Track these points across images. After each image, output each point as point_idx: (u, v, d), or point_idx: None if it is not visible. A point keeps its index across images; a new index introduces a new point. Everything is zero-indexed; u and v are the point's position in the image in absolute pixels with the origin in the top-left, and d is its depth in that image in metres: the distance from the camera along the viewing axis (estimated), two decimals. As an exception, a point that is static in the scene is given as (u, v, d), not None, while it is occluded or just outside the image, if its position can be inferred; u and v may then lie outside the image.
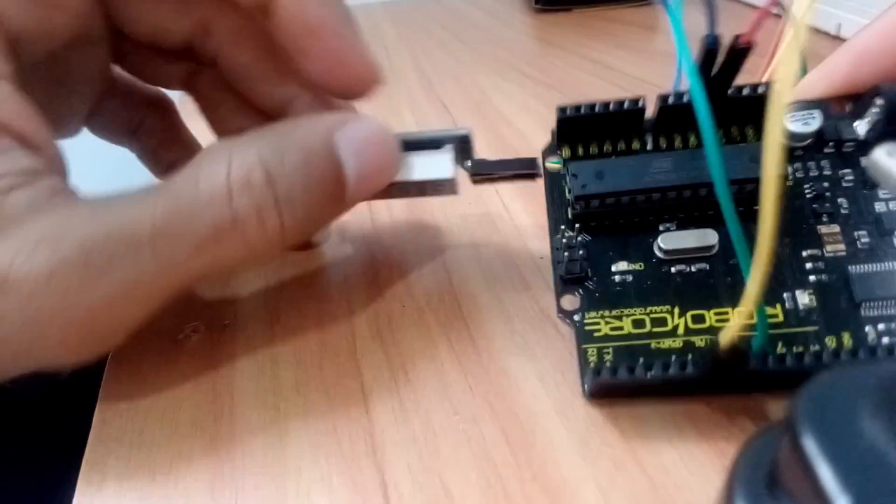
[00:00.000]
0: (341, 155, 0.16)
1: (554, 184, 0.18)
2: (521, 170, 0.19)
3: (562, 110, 0.17)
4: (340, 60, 0.18)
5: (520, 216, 0.23)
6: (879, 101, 0.16)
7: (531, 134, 0.30)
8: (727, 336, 0.13)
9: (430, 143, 0.19)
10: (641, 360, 0.14)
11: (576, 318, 0.16)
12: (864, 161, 0.16)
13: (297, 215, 0.15)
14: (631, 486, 0.13)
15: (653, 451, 0.14)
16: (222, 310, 0.20)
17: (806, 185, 0.16)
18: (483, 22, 0.54)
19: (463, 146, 0.19)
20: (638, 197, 0.16)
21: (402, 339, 0.18)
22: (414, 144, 0.19)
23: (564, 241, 0.17)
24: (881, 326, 0.14)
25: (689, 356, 0.14)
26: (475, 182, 0.19)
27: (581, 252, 0.16)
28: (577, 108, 0.17)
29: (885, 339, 0.14)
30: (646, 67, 0.38)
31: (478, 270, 0.20)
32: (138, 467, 0.15)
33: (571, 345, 0.17)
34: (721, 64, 0.15)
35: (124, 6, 0.19)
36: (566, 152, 0.17)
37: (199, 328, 0.19)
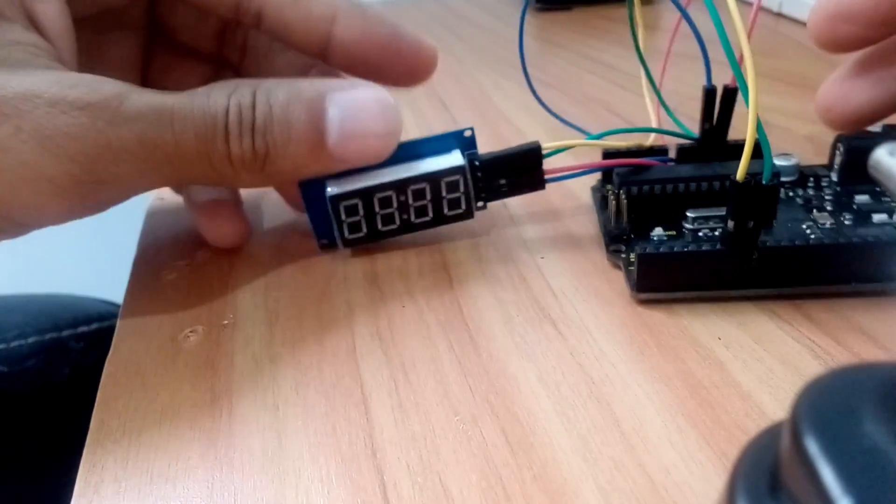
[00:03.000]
0: (329, 110, 0.18)
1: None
2: (524, 159, 0.21)
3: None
4: (400, 59, 0.20)
5: (520, 216, 0.23)
6: (841, 148, 0.21)
7: (531, 132, 0.30)
8: (742, 169, 0.16)
9: (435, 143, 0.21)
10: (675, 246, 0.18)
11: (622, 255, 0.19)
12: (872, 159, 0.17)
13: (272, 148, 0.18)
14: (631, 487, 0.13)
15: (653, 451, 0.14)
16: (222, 310, 0.20)
17: (795, 196, 0.21)
18: (483, 21, 0.54)
19: (467, 142, 0.21)
20: (668, 186, 0.20)
21: (402, 339, 0.18)
22: (420, 147, 0.20)
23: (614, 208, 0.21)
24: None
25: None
26: (488, 202, 0.21)
27: (626, 223, 0.20)
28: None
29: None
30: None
31: (478, 270, 0.20)
32: (137, 468, 0.15)
33: (572, 345, 0.17)
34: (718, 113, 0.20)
35: None
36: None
37: (198, 328, 0.19)
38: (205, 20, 0.23)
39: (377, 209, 0.20)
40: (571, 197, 0.24)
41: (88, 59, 0.20)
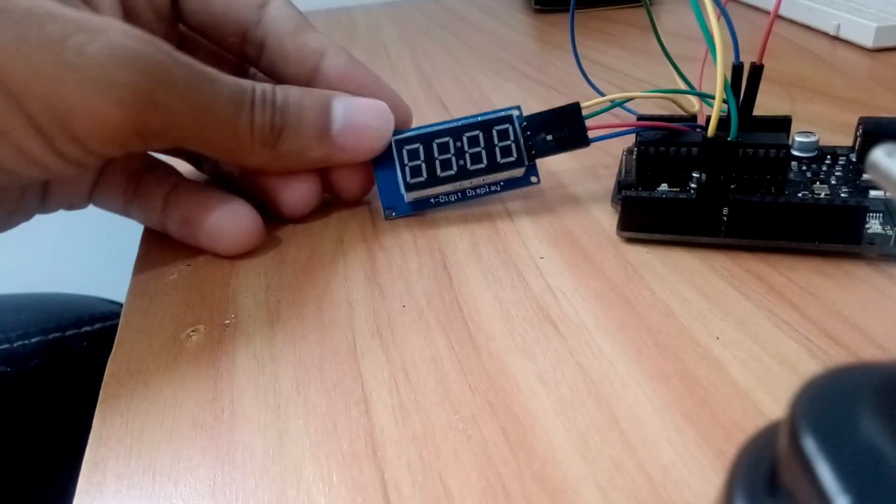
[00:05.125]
0: (335, 105, 0.22)
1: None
2: (565, 115, 0.23)
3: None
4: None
5: (520, 216, 0.23)
6: (860, 129, 0.23)
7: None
8: (711, 126, 0.19)
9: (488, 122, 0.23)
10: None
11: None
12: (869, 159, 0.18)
13: (286, 126, 0.21)
14: (631, 486, 0.13)
15: (652, 450, 0.14)
16: (223, 309, 0.20)
17: (808, 171, 0.23)
18: (483, 22, 0.54)
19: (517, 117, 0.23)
20: (682, 149, 0.21)
21: (402, 339, 0.18)
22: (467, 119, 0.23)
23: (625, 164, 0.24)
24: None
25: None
26: (538, 156, 0.23)
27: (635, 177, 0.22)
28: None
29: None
30: (645, 68, 0.38)
31: (478, 270, 0.20)
32: (139, 466, 0.15)
33: (571, 344, 0.17)
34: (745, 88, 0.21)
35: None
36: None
37: (199, 328, 0.19)
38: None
39: (436, 154, 0.23)
40: (571, 197, 0.24)
41: None
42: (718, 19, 0.19)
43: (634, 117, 0.25)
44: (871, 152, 0.15)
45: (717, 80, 0.18)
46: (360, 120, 0.22)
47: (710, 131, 0.19)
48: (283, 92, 0.21)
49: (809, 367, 0.16)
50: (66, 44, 0.17)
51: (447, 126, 0.23)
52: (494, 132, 0.23)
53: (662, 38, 0.24)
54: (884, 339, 0.16)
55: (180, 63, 0.19)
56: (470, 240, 0.22)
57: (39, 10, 0.17)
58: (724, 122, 0.20)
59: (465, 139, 0.23)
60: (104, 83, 0.17)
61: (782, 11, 0.44)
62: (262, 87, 0.20)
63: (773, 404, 0.15)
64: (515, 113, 0.23)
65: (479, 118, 0.23)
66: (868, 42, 0.37)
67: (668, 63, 0.24)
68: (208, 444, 0.15)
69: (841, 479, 0.08)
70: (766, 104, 0.31)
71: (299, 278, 0.21)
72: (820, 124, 0.28)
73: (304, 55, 0.23)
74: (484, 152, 0.23)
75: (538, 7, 0.54)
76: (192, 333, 0.19)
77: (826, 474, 0.08)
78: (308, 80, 0.23)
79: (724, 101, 0.19)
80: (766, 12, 0.45)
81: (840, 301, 0.18)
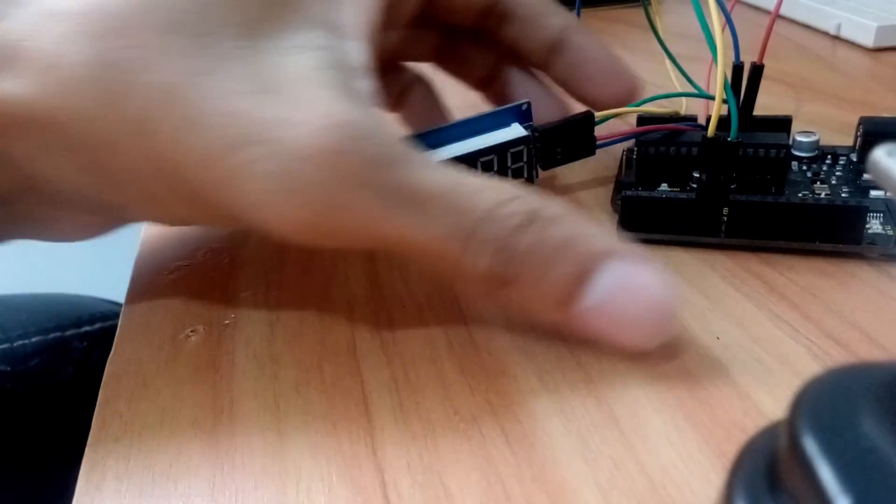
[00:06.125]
0: (599, 277, 0.15)
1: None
2: (578, 126, 0.23)
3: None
4: (613, 79, 0.23)
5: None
6: (860, 130, 0.23)
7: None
8: (711, 126, 0.19)
9: (493, 118, 0.23)
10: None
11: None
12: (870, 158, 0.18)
13: (516, 279, 0.15)
14: (631, 486, 0.13)
15: (653, 451, 0.14)
16: (223, 309, 0.20)
17: (808, 171, 0.22)
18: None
19: (524, 115, 0.23)
20: (682, 149, 0.21)
21: (402, 339, 0.18)
22: (479, 123, 0.22)
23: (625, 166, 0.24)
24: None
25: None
26: (544, 169, 0.23)
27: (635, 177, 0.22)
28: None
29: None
30: (645, 67, 0.38)
31: (478, 270, 0.20)
32: (138, 467, 0.15)
33: (571, 344, 0.17)
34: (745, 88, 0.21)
35: None
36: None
37: (199, 328, 0.19)
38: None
39: None
40: (571, 197, 0.24)
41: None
42: (723, 28, 0.18)
43: (634, 118, 0.25)
44: (872, 152, 0.15)
45: (717, 80, 0.18)
46: (625, 311, 0.15)
47: (710, 131, 0.19)
48: (537, 236, 0.15)
49: (810, 367, 0.16)
50: (240, 155, 0.15)
51: (463, 153, 0.21)
52: (509, 155, 0.22)
53: (664, 39, 0.24)
54: (884, 340, 0.16)
55: (379, 187, 0.15)
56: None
57: (228, 110, 0.15)
58: (724, 122, 0.20)
59: (479, 165, 0.22)
60: (266, 207, 0.15)
61: (783, 11, 0.44)
62: (508, 218, 0.15)
63: (773, 404, 0.15)
64: (525, 134, 0.22)
65: (494, 143, 0.22)
66: (869, 42, 0.37)
67: (671, 63, 0.24)
68: (208, 444, 0.15)
69: (841, 479, 0.08)
70: (768, 104, 0.30)
71: (299, 278, 0.21)
72: (821, 124, 0.28)
73: (546, 33, 0.22)
74: (496, 173, 0.22)
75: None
76: (191, 333, 0.19)
77: (826, 474, 0.08)
78: (547, 58, 0.23)
79: (725, 102, 0.19)
80: (768, 12, 0.45)
81: (841, 301, 0.18)
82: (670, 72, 0.25)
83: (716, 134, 0.19)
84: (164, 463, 0.15)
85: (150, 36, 0.15)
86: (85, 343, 0.35)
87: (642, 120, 0.24)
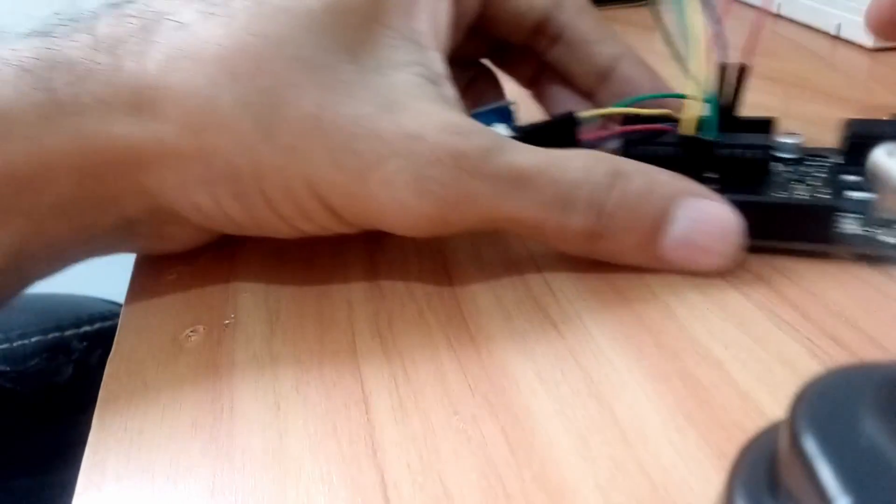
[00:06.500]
0: (676, 213, 0.18)
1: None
2: (560, 127, 0.22)
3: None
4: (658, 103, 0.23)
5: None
6: (846, 132, 0.22)
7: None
8: (686, 125, 0.20)
9: (478, 118, 0.22)
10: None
11: None
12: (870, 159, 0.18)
13: (607, 231, 0.18)
14: (631, 486, 0.13)
15: (653, 451, 0.14)
16: (223, 309, 0.20)
17: (789, 172, 0.22)
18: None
19: (508, 115, 0.23)
20: (669, 149, 0.21)
21: (402, 339, 0.18)
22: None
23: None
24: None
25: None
26: None
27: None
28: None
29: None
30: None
31: (478, 270, 0.20)
32: (138, 467, 0.15)
33: (571, 344, 0.17)
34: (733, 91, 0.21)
35: None
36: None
37: (199, 328, 0.19)
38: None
39: None
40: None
41: None
42: (710, 27, 0.19)
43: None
44: (872, 152, 0.15)
45: (694, 80, 0.19)
46: (697, 239, 0.18)
47: (682, 130, 0.19)
48: (621, 191, 0.18)
49: (810, 367, 0.16)
50: (385, 167, 0.17)
51: None
52: None
53: (661, 39, 0.24)
54: (884, 340, 0.16)
55: (488, 175, 0.17)
56: (470, 240, 0.22)
57: (369, 131, 0.17)
58: (711, 123, 0.20)
59: None
60: (400, 212, 0.18)
61: (782, 11, 0.44)
62: (594, 184, 0.18)
63: (774, 405, 0.15)
64: (509, 134, 0.22)
65: None
66: (868, 42, 0.37)
67: (674, 63, 0.24)
68: (208, 444, 0.15)
69: (841, 479, 0.08)
70: (765, 103, 0.31)
71: (299, 278, 0.21)
72: (818, 124, 0.28)
73: (596, 60, 0.23)
74: None
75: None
76: (191, 333, 0.19)
77: (827, 474, 0.08)
78: (596, 84, 0.23)
79: (708, 101, 0.19)
80: (767, 12, 0.45)
81: (841, 301, 0.18)
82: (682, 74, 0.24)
83: (695, 134, 0.19)
84: (164, 463, 0.15)
85: (281, 73, 0.17)
86: (84, 343, 0.35)
87: (629, 120, 0.24)
